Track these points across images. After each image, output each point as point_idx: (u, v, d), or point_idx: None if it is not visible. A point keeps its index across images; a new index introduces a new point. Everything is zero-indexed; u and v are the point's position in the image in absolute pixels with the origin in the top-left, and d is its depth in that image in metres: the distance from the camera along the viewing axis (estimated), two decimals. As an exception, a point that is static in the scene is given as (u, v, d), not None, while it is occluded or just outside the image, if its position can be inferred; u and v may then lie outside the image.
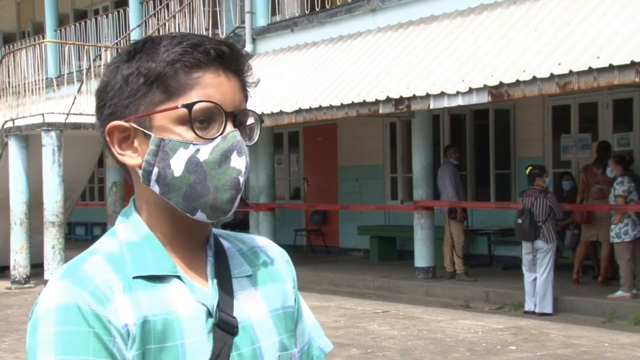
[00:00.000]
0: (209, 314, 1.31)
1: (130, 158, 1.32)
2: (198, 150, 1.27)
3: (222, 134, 1.28)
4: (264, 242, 1.49)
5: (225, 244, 1.43)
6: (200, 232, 1.37)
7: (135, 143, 1.31)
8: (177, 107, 1.27)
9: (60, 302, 1.23)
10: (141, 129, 1.30)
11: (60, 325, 1.22)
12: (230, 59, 1.31)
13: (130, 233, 1.34)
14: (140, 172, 1.31)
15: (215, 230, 1.45)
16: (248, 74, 1.36)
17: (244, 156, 1.29)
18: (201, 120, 1.28)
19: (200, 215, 1.30)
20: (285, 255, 1.51)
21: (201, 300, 1.31)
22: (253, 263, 1.43)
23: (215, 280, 1.35)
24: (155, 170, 1.29)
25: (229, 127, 1.29)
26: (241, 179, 1.29)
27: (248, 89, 1.37)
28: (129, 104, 1.30)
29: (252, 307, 1.37)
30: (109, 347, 1.23)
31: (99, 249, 1.33)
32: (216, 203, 1.29)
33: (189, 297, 1.31)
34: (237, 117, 1.31)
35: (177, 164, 1.27)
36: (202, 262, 1.37)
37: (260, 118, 1.36)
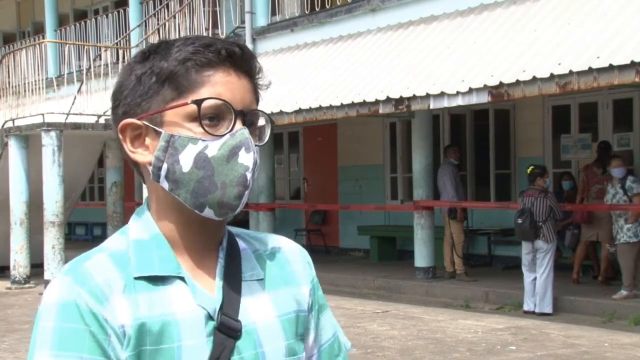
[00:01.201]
0: (210, 317, 1.31)
1: (142, 155, 1.34)
2: (207, 146, 1.29)
3: (230, 131, 1.29)
4: (283, 243, 1.48)
5: (242, 244, 1.42)
6: (212, 233, 1.37)
7: (147, 141, 1.33)
8: (187, 104, 1.29)
9: (60, 299, 1.26)
10: (152, 126, 1.32)
11: (58, 321, 1.24)
12: (241, 59, 1.33)
13: (141, 232, 1.35)
14: (150, 168, 1.33)
15: (235, 230, 1.45)
16: (259, 76, 1.38)
17: (251, 152, 1.30)
18: (210, 117, 1.30)
19: (208, 212, 1.31)
20: (306, 257, 1.49)
21: (202, 303, 1.32)
22: (268, 265, 1.42)
23: (222, 283, 1.35)
24: (165, 166, 1.30)
25: (238, 124, 1.30)
26: (248, 175, 1.30)
27: (260, 91, 1.38)
28: (141, 102, 1.32)
29: (259, 311, 1.36)
30: (104, 346, 1.25)
31: (106, 246, 1.34)
32: (223, 199, 1.30)
33: (190, 300, 1.31)
34: (247, 116, 1.32)
35: (186, 160, 1.29)
36: (213, 264, 1.37)
37: (271, 119, 1.38)
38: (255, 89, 1.37)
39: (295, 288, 1.43)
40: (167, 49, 1.33)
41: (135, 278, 1.30)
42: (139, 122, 1.32)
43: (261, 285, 1.39)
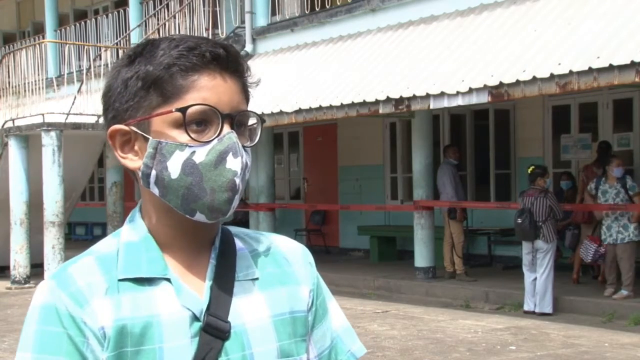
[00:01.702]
0: (196, 318, 1.31)
1: (132, 161, 1.34)
2: (194, 152, 1.28)
3: (218, 135, 1.29)
4: (283, 243, 1.47)
5: (239, 244, 1.42)
6: (204, 234, 1.37)
7: (136, 146, 1.33)
8: (171, 111, 1.29)
9: (42, 302, 1.29)
10: (140, 132, 1.31)
11: (40, 325, 1.27)
12: (226, 61, 1.32)
13: (131, 234, 1.36)
14: (139, 174, 1.33)
15: (234, 229, 1.45)
16: (248, 74, 1.36)
17: (239, 157, 1.29)
18: (198, 123, 1.29)
19: (199, 217, 1.31)
20: (307, 257, 1.48)
21: (186, 304, 1.31)
22: (264, 265, 1.41)
23: (210, 284, 1.34)
24: (154, 172, 1.30)
25: (226, 128, 1.30)
26: (237, 180, 1.29)
27: (249, 89, 1.37)
28: (128, 107, 1.32)
29: (250, 311, 1.35)
30: (81, 349, 1.26)
31: (95, 250, 1.35)
32: (213, 204, 1.29)
33: (174, 301, 1.31)
34: (235, 118, 1.31)
35: (174, 167, 1.29)
36: (204, 264, 1.36)
37: (261, 118, 1.37)
38: (244, 89, 1.35)
39: (293, 288, 1.42)
40: (152, 51, 1.32)
41: (121, 280, 1.30)
42: (126, 128, 1.32)
43: (256, 285, 1.38)
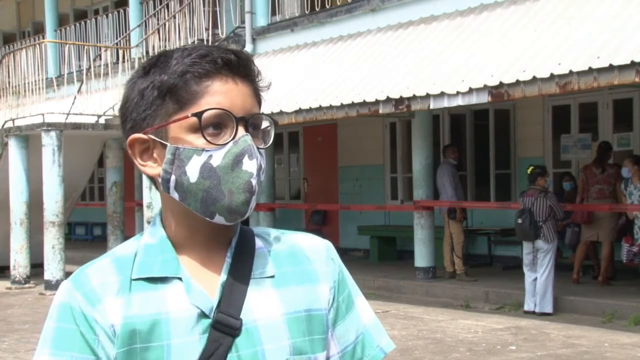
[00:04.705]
0: (205, 315, 1.35)
1: (151, 168, 1.39)
2: (211, 156, 1.32)
3: (233, 138, 1.33)
4: (305, 240, 1.48)
5: (259, 243, 1.45)
6: (220, 234, 1.40)
7: (155, 154, 1.38)
8: (187, 117, 1.33)
9: (60, 301, 1.37)
10: (158, 139, 1.36)
11: (57, 322, 1.36)
12: (237, 66, 1.37)
13: (151, 237, 1.41)
14: (159, 180, 1.37)
15: (256, 229, 1.48)
16: (259, 79, 1.41)
17: (254, 159, 1.33)
18: (214, 126, 1.33)
19: (218, 219, 1.35)
20: (330, 253, 1.49)
21: (196, 302, 1.35)
22: (282, 263, 1.44)
23: (223, 282, 1.38)
24: (173, 178, 1.35)
25: (240, 131, 1.33)
26: (253, 182, 1.33)
27: (261, 93, 1.42)
28: (145, 116, 1.37)
29: (263, 309, 1.38)
30: (92, 345, 1.34)
31: (114, 251, 1.42)
32: (232, 206, 1.33)
33: (184, 299, 1.35)
34: (249, 121, 1.35)
35: (193, 171, 1.33)
36: (220, 263, 1.40)
37: (274, 121, 1.41)
38: (256, 92, 1.40)
39: (312, 286, 1.44)
40: (166, 61, 1.36)
41: (135, 279, 1.36)
42: (145, 136, 1.37)
43: (271, 283, 1.41)
